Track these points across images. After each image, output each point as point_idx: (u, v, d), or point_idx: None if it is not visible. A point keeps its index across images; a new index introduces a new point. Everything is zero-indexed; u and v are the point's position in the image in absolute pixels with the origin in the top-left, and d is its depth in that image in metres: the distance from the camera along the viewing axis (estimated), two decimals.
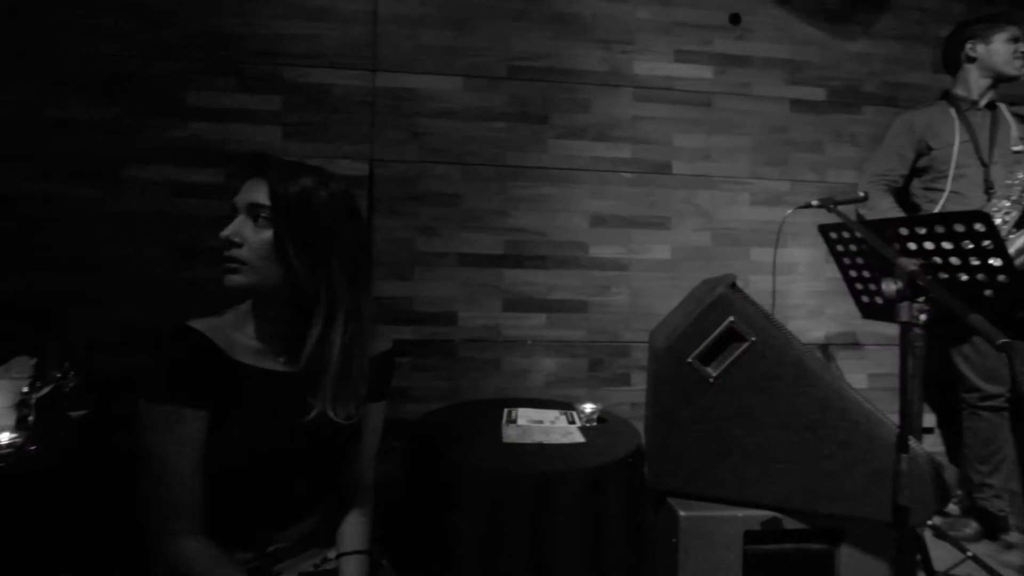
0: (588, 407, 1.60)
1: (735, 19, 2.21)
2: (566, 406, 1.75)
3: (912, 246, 1.37)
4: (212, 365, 0.80)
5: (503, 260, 2.03)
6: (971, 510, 1.91)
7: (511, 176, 2.05)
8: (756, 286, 2.09)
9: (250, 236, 0.81)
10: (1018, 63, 1.79)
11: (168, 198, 1.86)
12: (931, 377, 2.16)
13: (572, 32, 2.09)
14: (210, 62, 1.88)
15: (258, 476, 0.83)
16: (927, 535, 1.58)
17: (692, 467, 1.28)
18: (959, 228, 1.28)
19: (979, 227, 1.25)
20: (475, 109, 2.03)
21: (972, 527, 1.85)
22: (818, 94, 2.22)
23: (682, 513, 1.21)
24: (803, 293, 2.17)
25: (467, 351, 1.99)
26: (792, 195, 2.16)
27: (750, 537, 1.20)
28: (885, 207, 1.95)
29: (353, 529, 0.97)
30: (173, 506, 0.77)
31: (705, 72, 2.17)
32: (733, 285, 1.30)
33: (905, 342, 1.14)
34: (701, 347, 1.24)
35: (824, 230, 1.57)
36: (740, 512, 1.21)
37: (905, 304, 1.11)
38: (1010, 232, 1.68)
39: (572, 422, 1.60)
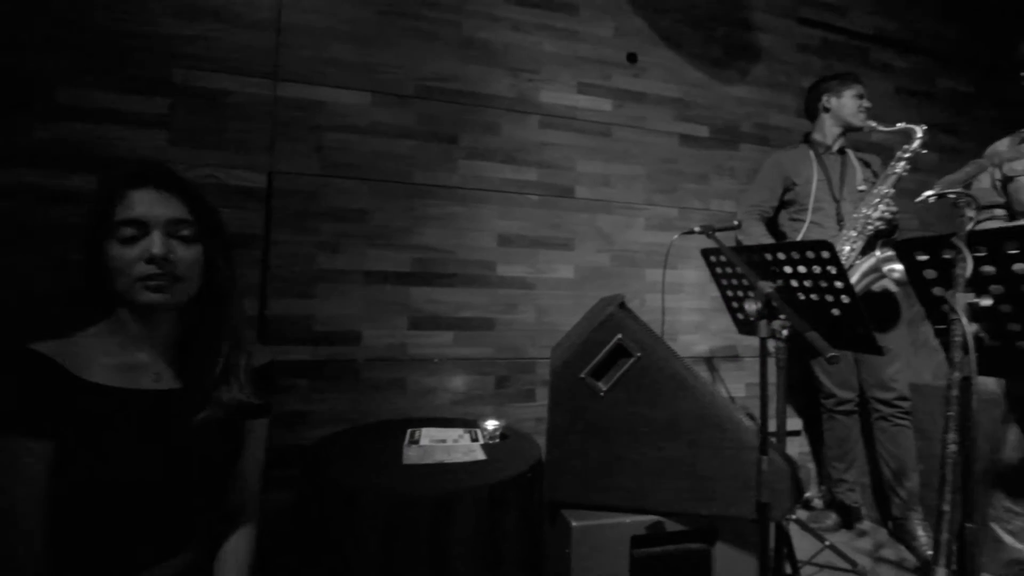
0: (491, 424, 1.62)
1: (632, 58, 2.40)
2: (470, 424, 1.76)
3: (778, 269, 1.55)
4: (58, 390, 0.73)
5: (411, 278, 2.02)
6: (831, 503, 2.16)
7: (420, 194, 2.05)
8: (650, 304, 2.25)
9: (181, 253, 0.81)
10: (862, 116, 2.08)
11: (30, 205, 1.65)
12: (800, 385, 2.45)
13: (483, 58, 2.16)
14: (88, 57, 1.71)
15: (119, 509, 0.76)
16: (793, 528, 1.76)
17: (586, 478, 1.34)
18: (810, 255, 1.46)
19: (825, 254, 1.44)
20: (384, 125, 2.03)
21: (832, 519, 2.09)
22: (703, 131, 2.45)
23: (574, 523, 1.25)
24: (690, 310, 2.36)
25: (371, 371, 1.94)
26: (681, 221, 2.36)
27: (636, 542, 1.27)
28: (758, 234, 2.18)
29: (234, 562, 0.91)
30: (8, 552, 0.69)
31: (605, 105, 2.33)
32: (622, 305, 1.39)
33: (764, 355, 1.29)
34: (593, 363, 1.31)
35: (705, 254, 1.73)
36: (628, 519, 1.28)
37: (764, 322, 1.26)
38: (856, 258, 1.95)
39: (475, 440, 1.61)
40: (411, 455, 1.48)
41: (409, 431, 1.68)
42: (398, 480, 1.30)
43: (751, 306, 1.25)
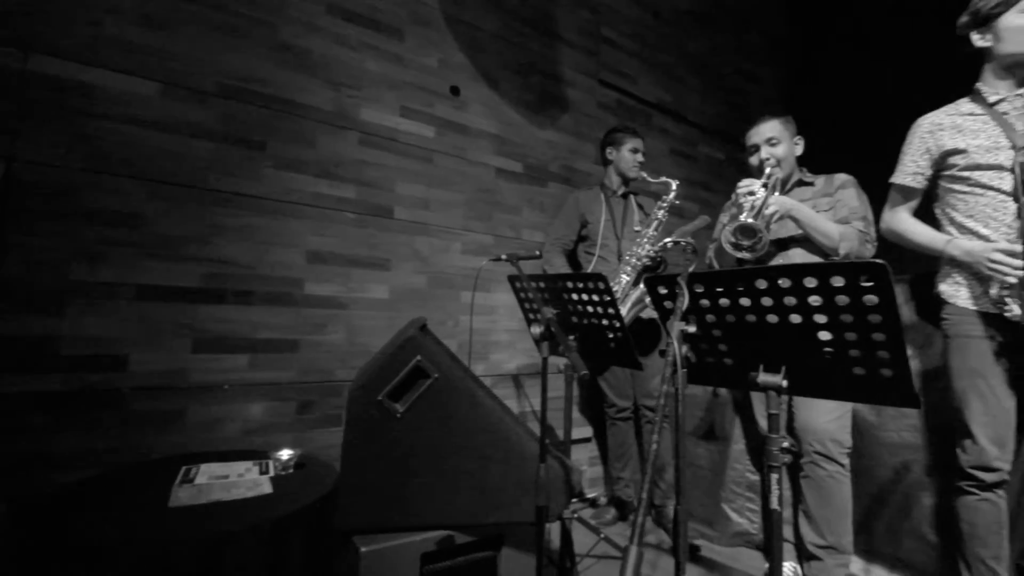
0: (285, 454, 1.52)
1: (455, 91, 2.52)
2: (261, 455, 1.62)
3: (567, 297, 1.75)
4: None
5: (199, 295, 1.80)
6: (612, 500, 2.48)
7: (216, 201, 1.86)
8: (464, 325, 2.36)
9: None
10: (635, 168, 2.48)
11: None
12: (593, 397, 2.79)
13: (300, 66, 2.07)
14: None
15: None
16: (575, 525, 1.97)
17: (381, 501, 1.33)
18: (589, 285, 1.69)
19: (600, 286, 1.68)
20: (175, 122, 1.80)
21: (612, 513, 2.40)
22: (517, 167, 2.68)
23: (363, 548, 1.24)
24: (501, 331, 2.53)
25: (140, 402, 1.67)
26: (495, 247, 2.53)
27: (427, 558, 1.31)
28: (558, 264, 2.44)
29: None
30: None
31: (427, 131, 2.40)
32: (423, 328, 1.44)
33: (545, 372, 1.45)
34: (391, 385, 1.33)
35: (512, 280, 1.88)
36: (418, 536, 1.31)
37: (545, 343, 1.41)
38: (629, 290, 2.29)
39: (265, 472, 1.50)
40: (181, 496, 1.31)
41: (184, 469, 1.49)
42: (159, 527, 1.14)
43: (535, 329, 1.40)
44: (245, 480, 1.43)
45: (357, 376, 1.53)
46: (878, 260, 0.98)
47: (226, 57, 1.91)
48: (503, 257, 1.87)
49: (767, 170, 1.83)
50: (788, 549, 1.92)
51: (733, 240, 1.64)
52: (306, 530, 1.28)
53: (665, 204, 2.31)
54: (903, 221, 1.65)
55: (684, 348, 1.14)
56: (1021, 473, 1.62)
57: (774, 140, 1.90)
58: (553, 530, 1.82)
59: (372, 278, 2.17)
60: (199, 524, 1.17)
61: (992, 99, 1.47)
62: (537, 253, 1.94)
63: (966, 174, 1.49)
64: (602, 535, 2.00)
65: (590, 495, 2.64)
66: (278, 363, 1.93)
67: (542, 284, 1.81)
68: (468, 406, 1.37)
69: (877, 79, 3.68)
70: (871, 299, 1.02)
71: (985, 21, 1.45)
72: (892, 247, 1.73)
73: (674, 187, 2.31)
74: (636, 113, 3.29)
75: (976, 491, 1.49)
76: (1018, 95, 1.44)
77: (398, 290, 2.23)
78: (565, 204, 2.58)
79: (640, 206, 2.59)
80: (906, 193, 1.65)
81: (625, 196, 2.57)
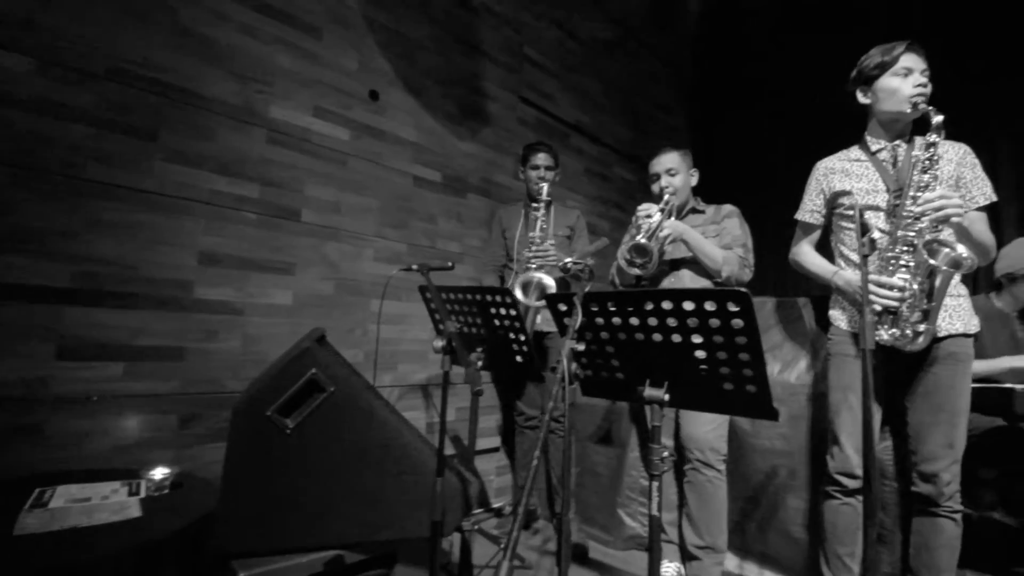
0: (159, 472, 1.41)
1: (374, 95, 2.48)
2: (132, 475, 1.48)
3: (477, 310, 1.76)
4: None
5: (69, 295, 1.62)
6: (515, 509, 2.53)
7: (95, 193, 1.69)
8: (373, 334, 2.30)
9: None
10: (537, 185, 2.46)
11: None
12: (502, 407, 2.83)
13: (203, 54, 1.93)
14: None
15: None
16: (477, 536, 1.99)
17: (266, 522, 1.27)
18: (497, 299, 1.72)
19: (507, 299, 1.71)
20: (51, 104, 1.62)
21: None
22: (436, 176, 2.68)
23: (241, 573, 1.17)
24: (413, 341, 2.50)
25: None
26: (409, 255, 2.50)
27: None
28: (489, 281, 2.46)
29: None
30: None
31: (342, 133, 2.34)
32: (321, 339, 1.40)
33: (446, 386, 1.46)
34: (282, 399, 1.28)
35: (422, 290, 1.87)
36: (305, 558, 1.27)
37: (446, 356, 1.42)
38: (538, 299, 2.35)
39: (135, 493, 1.37)
40: (30, 523, 1.17)
41: (37, 491, 1.33)
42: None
43: (437, 343, 1.41)
44: (110, 503, 1.30)
45: (246, 389, 1.45)
46: (742, 289, 1.10)
47: (118, 38, 1.75)
48: (414, 267, 1.86)
49: (665, 196, 1.98)
50: (675, 551, 2.06)
51: (628, 258, 1.77)
52: (178, 556, 1.18)
53: (570, 231, 2.41)
54: (804, 253, 1.84)
55: (576, 364, 1.20)
56: (898, 494, 1.81)
57: (673, 170, 2.06)
58: (455, 543, 1.82)
59: (273, 283, 2.06)
60: (48, 554, 1.05)
61: (874, 148, 1.68)
62: (450, 264, 1.94)
63: (851, 212, 1.68)
64: (502, 545, 2.03)
65: (496, 505, 2.66)
66: (159, 372, 1.77)
67: (452, 296, 1.81)
68: (364, 420, 1.35)
69: (773, 119, 4.09)
70: (737, 323, 1.13)
71: (867, 81, 1.65)
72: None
73: (578, 219, 2.38)
74: (555, 132, 3.41)
75: (839, 495, 1.67)
76: (896, 145, 1.65)
77: (302, 296, 2.14)
78: (493, 221, 2.61)
79: (557, 218, 2.64)
80: (806, 228, 1.85)
81: (549, 205, 2.58)
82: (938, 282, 1.41)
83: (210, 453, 1.84)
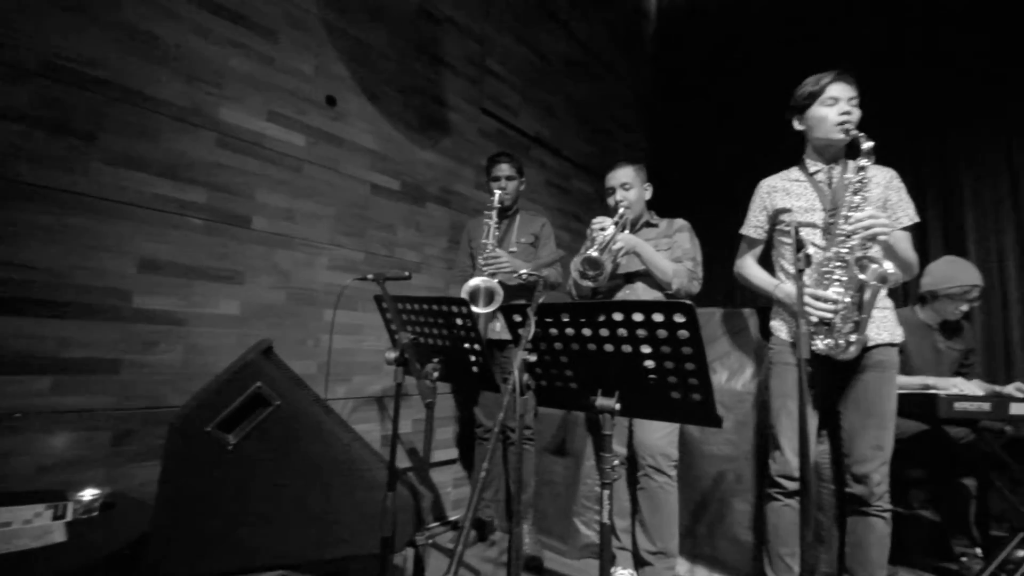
0: (89, 493, 1.32)
1: (332, 101, 2.44)
2: (58, 496, 1.39)
3: (435, 320, 1.75)
4: None
5: None
6: (473, 521, 2.50)
7: (22, 195, 1.59)
8: (326, 344, 2.25)
9: None
10: (497, 194, 2.42)
11: None
12: (461, 418, 2.81)
13: (148, 53, 1.86)
14: None
15: None
16: (432, 551, 1.96)
17: (205, 543, 1.21)
18: (453, 309, 1.71)
19: (463, 310, 1.71)
20: None
21: (471, 535, 2.41)
22: (394, 184, 2.66)
23: None
24: (368, 352, 2.46)
25: None
26: (365, 264, 2.46)
27: None
28: (457, 292, 2.43)
29: None
30: None
31: (298, 139, 2.29)
32: (267, 351, 1.36)
33: (398, 397, 1.44)
34: (223, 414, 1.23)
35: (378, 300, 1.84)
36: None
37: (399, 368, 1.41)
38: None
39: (61, 516, 1.28)
40: None
41: None
42: None
43: (390, 354, 1.39)
44: (31, 528, 1.21)
45: (185, 404, 1.39)
46: (688, 302, 1.14)
47: (54, 31, 1.66)
48: (369, 277, 1.83)
49: (620, 210, 2.03)
50: (629, 557, 2.09)
51: (580, 270, 1.81)
52: None
53: (534, 239, 2.43)
54: (748, 267, 1.93)
55: (529, 375, 1.21)
56: (835, 495, 1.90)
57: (628, 185, 2.12)
58: (409, 558, 1.79)
59: (220, 292, 1.99)
60: None
61: (812, 169, 1.78)
62: (407, 274, 1.92)
63: (787, 229, 1.77)
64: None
65: (452, 518, 2.63)
66: (92, 386, 1.67)
67: (409, 306, 1.80)
68: (312, 435, 1.31)
69: (724, 137, 4.27)
70: (684, 334, 1.17)
71: (800, 110, 1.77)
72: None
73: (495, 201, 2.36)
74: (516, 144, 3.44)
75: (781, 497, 1.75)
76: (831, 168, 1.75)
77: (251, 306, 2.07)
78: (464, 234, 2.60)
79: (521, 226, 2.63)
80: (750, 242, 1.94)
81: (511, 215, 2.59)
82: (867, 295, 1.51)
83: (146, 472, 1.74)
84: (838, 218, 1.61)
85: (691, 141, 4.50)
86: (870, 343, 1.63)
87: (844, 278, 1.57)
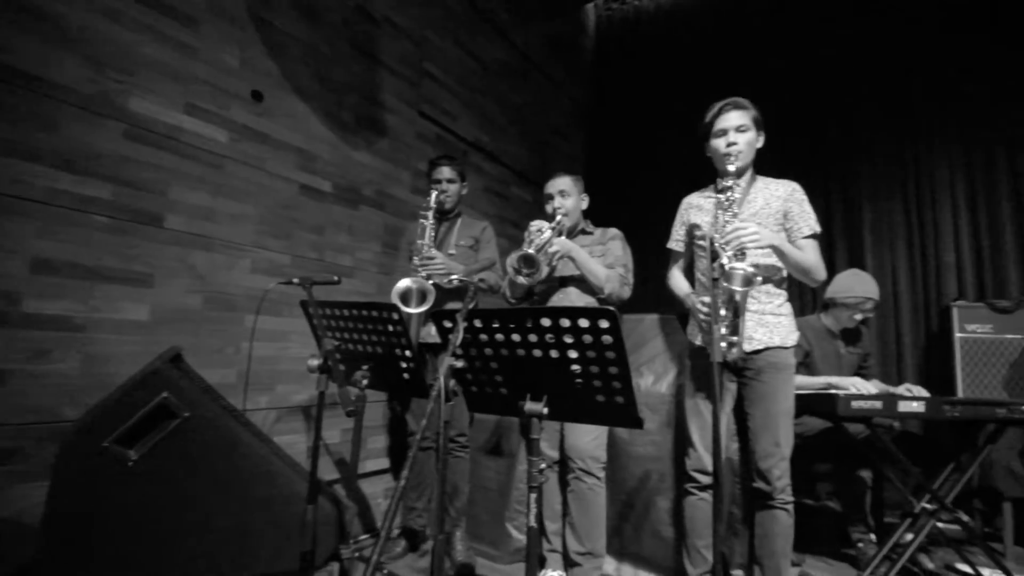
0: None
1: (258, 96, 2.33)
2: None
3: (368, 326, 1.70)
4: None
5: None
6: (404, 531, 2.45)
7: None
8: (248, 352, 2.13)
9: None
10: (434, 195, 2.39)
11: None
12: (392, 426, 2.75)
13: (49, 34, 1.70)
14: None
15: None
16: (359, 564, 1.90)
17: (101, 567, 1.11)
18: (384, 315, 1.68)
19: (394, 316, 1.68)
20: None
21: (401, 546, 2.36)
22: (325, 186, 2.57)
23: None
24: (294, 359, 2.35)
25: None
26: (292, 268, 2.36)
27: None
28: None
29: None
30: None
31: (219, 135, 2.16)
32: (175, 359, 1.27)
33: (321, 406, 1.39)
34: (124, 427, 1.13)
35: (304, 305, 1.77)
36: None
37: (322, 376, 1.36)
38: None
39: None
40: None
41: None
42: None
43: (312, 361, 1.34)
44: None
45: (80, 417, 1.27)
46: (611, 308, 1.18)
47: None
48: (294, 281, 1.76)
49: (558, 217, 2.09)
50: (559, 559, 2.12)
51: (515, 266, 1.85)
52: None
53: (474, 242, 2.44)
54: (672, 277, 2.06)
55: (455, 380, 1.21)
56: (745, 490, 2.02)
57: (566, 193, 2.17)
58: (335, 572, 1.72)
59: (126, 295, 1.83)
60: None
61: (721, 186, 1.89)
62: (336, 279, 1.86)
63: (702, 243, 1.89)
64: (385, 571, 1.96)
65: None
66: None
67: (337, 312, 1.74)
68: (225, 448, 1.24)
69: (659, 152, 4.46)
70: (607, 339, 1.21)
71: (704, 139, 1.90)
72: None
73: (432, 201, 2.36)
74: (454, 149, 3.43)
75: (696, 491, 1.86)
76: (736, 186, 1.86)
77: (163, 311, 1.93)
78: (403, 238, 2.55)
79: (461, 229, 2.60)
80: (674, 255, 2.08)
81: (452, 218, 2.56)
82: (738, 298, 1.62)
83: (37, 494, 1.56)
84: (719, 234, 1.73)
85: (628, 153, 4.67)
86: (761, 347, 1.77)
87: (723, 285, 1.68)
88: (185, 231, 2.01)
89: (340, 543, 1.40)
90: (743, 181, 1.88)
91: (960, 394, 2.93)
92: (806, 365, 2.52)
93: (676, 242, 2.05)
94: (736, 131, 1.81)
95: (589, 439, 1.99)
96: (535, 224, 1.99)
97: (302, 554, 1.24)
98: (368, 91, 2.85)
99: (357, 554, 1.93)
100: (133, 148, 1.89)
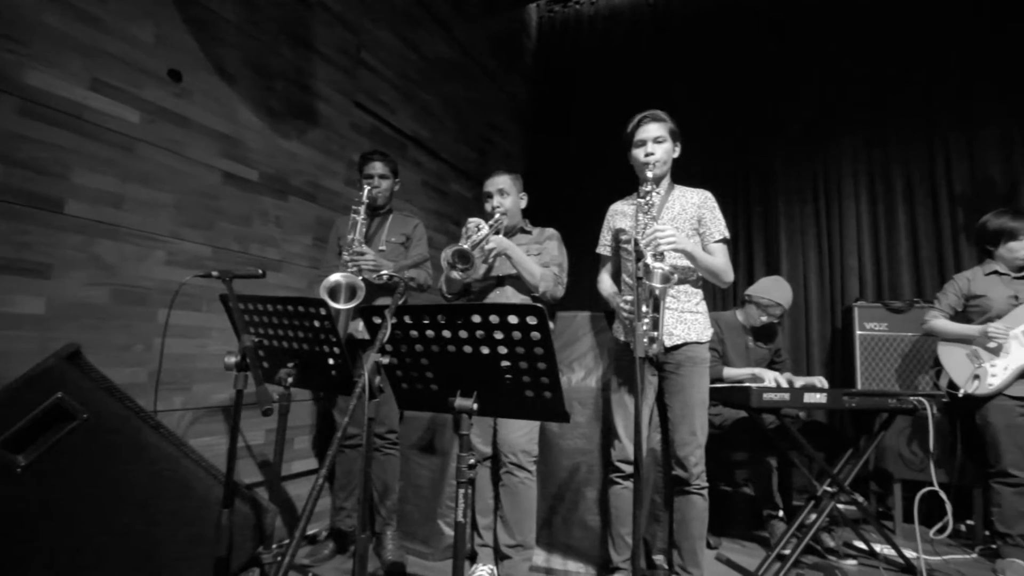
0: None
1: (176, 76, 2.18)
2: None
3: (295, 322, 1.63)
4: None
5: None
6: (332, 532, 2.39)
7: None
8: (160, 348, 1.99)
9: None
10: (366, 190, 2.32)
11: None
12: (326, 426, 2.67)
13: None
14: None
15: None
16: (272, 570, 1.83)
17: None
18: (310, 310, 1.63)
19: (321, 311, 1.63)
20: None
21: (329, 548, 2.30)
22: (251, 174, 2.44)
23: None
24: (213, 357, 2.22)
25: None
26: (213, 260, 2.23)
27: None
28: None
29: None
30: None
31: (131, 115, 2.00)
32: (73, 356, 1.17)
33: (238, 405, 1.33)
34: (9, 431, 1.03)
35: (224, 300, 1.68)
36: None
37: (240, 374, 1.30)
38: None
39: None
40: None
41: None
42: None
43: (230, 359, 1.28)
44: None
45: None
46: (539, 305, 1.21)
47: None
48: (213, 274, 1.67)
49: (496, 215, 2.11)
50: (490, 554, 2.14)
51: (450, 261, 1.86)
52: None
53: (405, 239, 2.41)
54: (600, 280, 2.13)
55: (382, 377, 1.19)
56: (666, 478, 2.12)
57: (504, 191, 2.19)
58: None
59: (18, 287, 1.66)
60: None
61: (642, 192, 1.97)
62: (259, 272, 1.78)
63: (627, 246, 1.96)
64: (310, 574, 1.90)
65: (311, 531, 2.48)
66: None
67: (260, 307, 1.66)
68: (129, 451, 1.16)
69: (596, 154, 4.57)
70: (536, 335, 1.24)
71: (627, 148, 2.00)
72: None
73: (365, 197, 2.31)
74: (392, 142, 3.37)
75: (620, 480, 1.94)
76: (656, 192, 1.94)
77: (61, 304, 1.76)
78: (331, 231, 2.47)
79: (392, 226, 2.54)
80: (602, 260, 2.15)
81: (383, 214, 2.51)
82: (658, 293, 1.71)
83: None
84: (641, 235, 1.82)
85: (566, 154, 4.76)
86: (679, 341, 1.88)
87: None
88: (89, 218, 1.85)
89: (261, 547, 1.34)
90: (662, 188, 2.00)
91: (859, 386, 3.22)
92: (719, 354, 2.71)
93: (604, 247, 2.13)
94: (654, 142, 1.92)
95: (521, 434, 2.02)
96: (473, 221, 2.01)
97: (217, 560, 1.18)
98: (299, 78, 2.74)
99: (280, 558, 1.85)
100: (28, 125, 1.72)
